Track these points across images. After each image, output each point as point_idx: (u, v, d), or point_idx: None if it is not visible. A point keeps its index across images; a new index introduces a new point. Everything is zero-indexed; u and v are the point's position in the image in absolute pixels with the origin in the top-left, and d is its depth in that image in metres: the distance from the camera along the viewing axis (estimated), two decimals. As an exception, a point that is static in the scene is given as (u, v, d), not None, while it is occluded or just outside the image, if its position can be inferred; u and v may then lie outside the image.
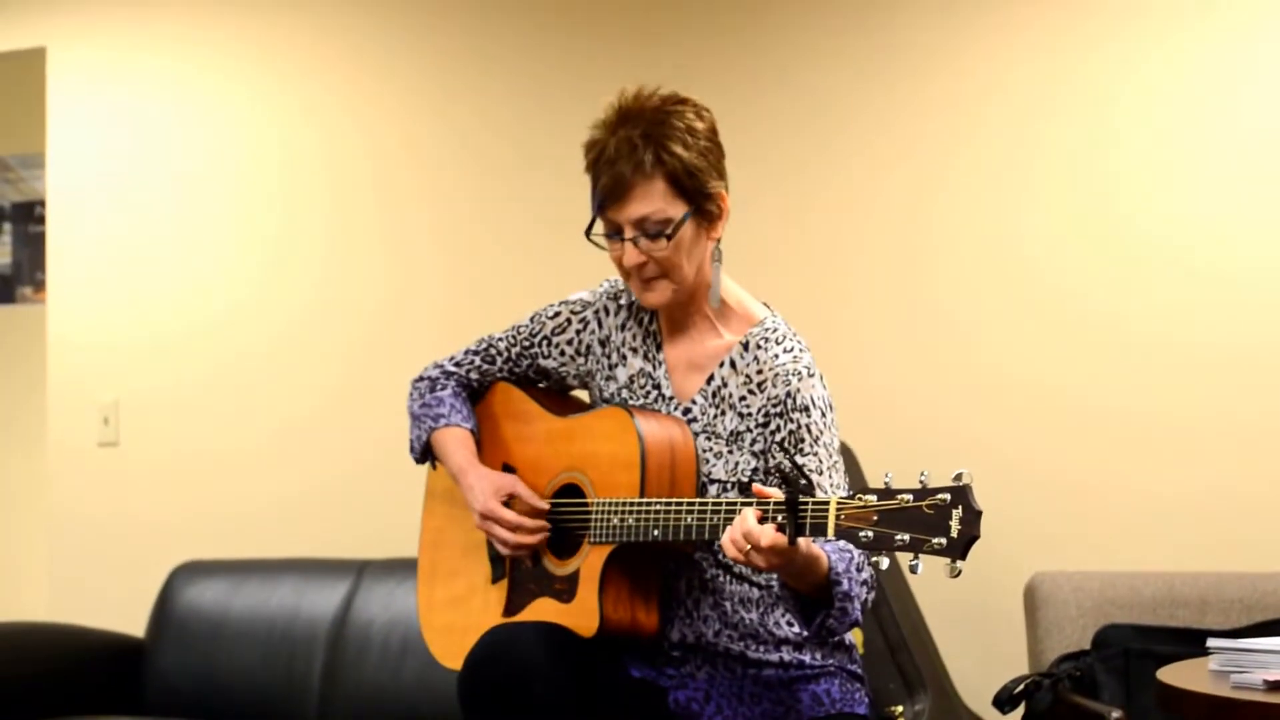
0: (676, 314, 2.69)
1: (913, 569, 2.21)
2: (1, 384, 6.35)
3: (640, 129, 2.56)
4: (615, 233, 2.60)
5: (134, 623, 4.53)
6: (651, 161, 2.55)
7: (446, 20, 4.69)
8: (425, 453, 2.84)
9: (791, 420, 2.56)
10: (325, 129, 4.83)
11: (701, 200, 2.58)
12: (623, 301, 2.75)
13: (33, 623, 4.57)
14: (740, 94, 4.23)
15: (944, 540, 2.19)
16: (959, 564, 2.18)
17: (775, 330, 2.64)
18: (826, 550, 2.39)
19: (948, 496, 2.20)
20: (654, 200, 2.56)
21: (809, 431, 2.55)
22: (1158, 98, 3.95)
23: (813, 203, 4.24)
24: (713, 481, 2.60)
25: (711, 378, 2.64)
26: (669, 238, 2.56)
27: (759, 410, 2.59)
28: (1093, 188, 3.98)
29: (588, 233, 2.63)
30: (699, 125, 2.59)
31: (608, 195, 2.57)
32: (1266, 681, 2.63)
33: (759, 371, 2.60)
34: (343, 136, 4.81)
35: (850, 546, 2.41)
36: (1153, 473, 3.89)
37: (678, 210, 2.57)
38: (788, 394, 2.56)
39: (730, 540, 2.32)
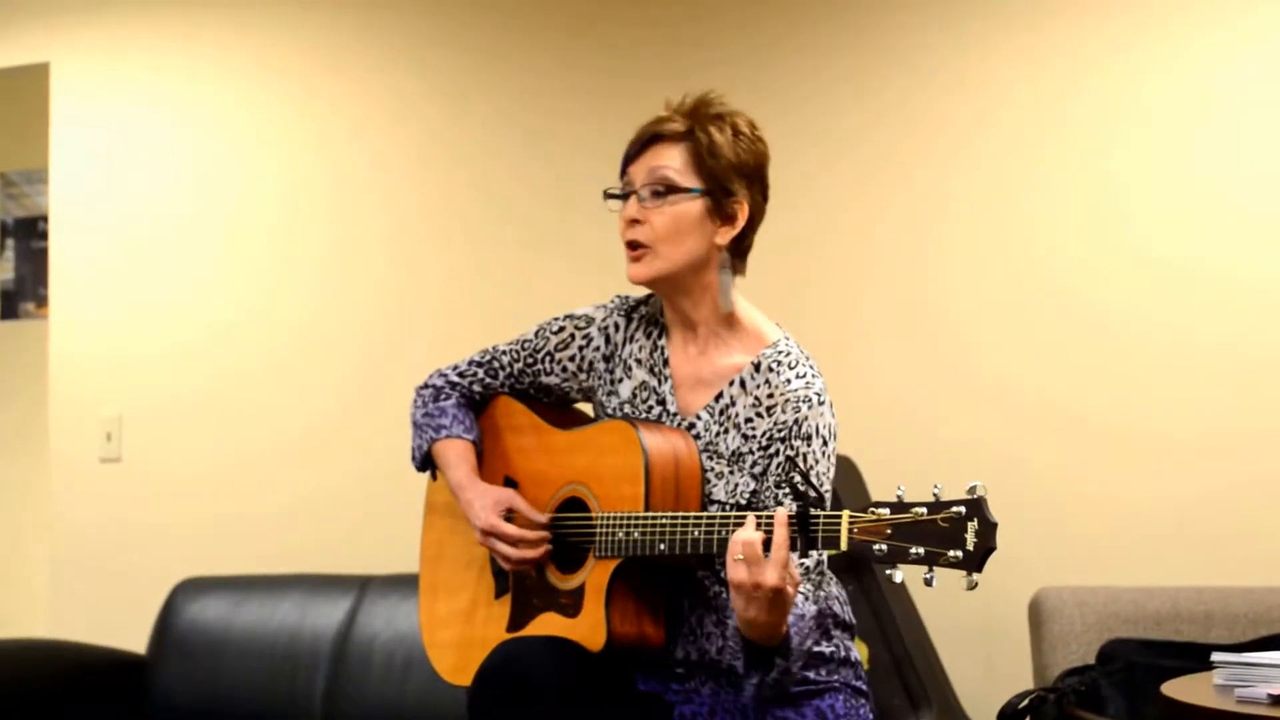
0: (684, 328, 2.68)
1: (927, 582, 2.21)
2: (4, 399, 6.35)
3: (686, 114, 2.62)
4: (628, 192, 2.62)
5: (136, 640, 4.52)
6: (682, 130, 2.60)
7: (449, 35, 4.70)
8: (426, 462, 2.84)
9: (791, 447, 2.54)
10: (327, 144, 4.83)
11: (717, 189, 2.59)
12: (634, 314, 2.74)
13: (34, 640, 4.57)
14: (749, 113, 4.22)
15: (960, 553, 2.18)
16: (975, 576, 2.18)
17: (788, 354, 2.62)
18: (789, 624, 2.39)
19: (963, 509, 2.20)
20: (671, 159, 2.59)
21: (804, 460, 2.53)
22: (1160, 110, 3.96)
23: (822, 215, 4.25)
24: (712, 502, 2.58)
25: (720, 395, 2.62)
26: (669, 197, 2.57)
27: (763, 434, 2.57)
28: (1102, 200, 3.99)
29: (607, 191, 2.65)
30: (745, 131, 2.62)
31: (632, 147, 2.63)
32: (1271, 695, 2.63)
33: (769, 395, 2.59)
34: (344, 151, 4.81)
35: (804, 624, 2.43)
36: (1158, 487, 3.89)
37: (690, 182, 2.58)
38: (796, 421, 2.55)
39: (746, 552, 2.32)
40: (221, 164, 4.97)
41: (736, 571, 2.32)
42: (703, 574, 2.59)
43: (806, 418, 2.55)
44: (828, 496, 2.53)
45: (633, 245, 2.61)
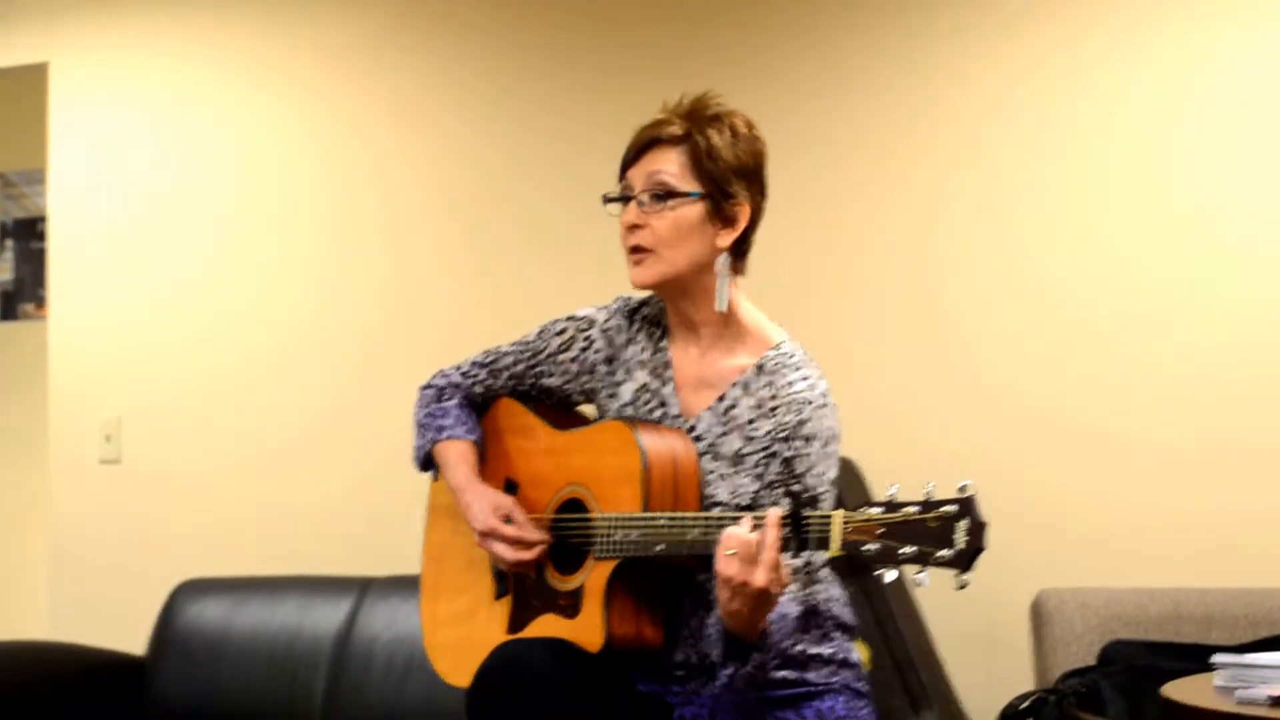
0: (687, 329, 2.67)
1: (918, 582, 2.21)
2: (3, 400, 6.35)
3: (683, 116, 2.61)
4: (628, 196, 2.61)
5: (135, 641, 4.51)
6: (680, 133, 2.59)
7: (448, 35, 4.70)
8: (427, 462, 2.85)
9: (790, 448, 2.54)
10: (326, 143, 4.83)
11: (717, 192, 2.58)
12: (636, 316, 2.74)
13: (33, 641, 4.56)
14: (750, 114, 4.23)
15: (950, 552, 2.18)
16: (965, 576, 2.18)
17: (792, 356, 2.62)
18: (772, 619, 2.41)
19: (954, 508, 2.19)
20: (669, 163, 2.58)
21: (803, 461, 2.53)
22: (1158, 117, 3.95)
23: (822, 218, 4.24)
24: (715, 503, 2.58)
25: (723, 397, 2.62)
26: (669, 201, 2.56)
27: (765, 435, 2.57)
28: (1103, 207, 3.98)
29: (606, 196, 2.65)
30: (743, 132, 2.61)
31: (630, 152, 2.62)
32: (1271, 697, 2.63)
33: (773, 397, 2.58)
34: (343, 150, 4.81)
35: (786, 625, 2.45)
36: (1159, 489, 3.88)
37: (689, 186, 2.57)
38: (798, 422, 2.54)
39: (744, 552, 2.32)
40: (221, 164, 4.96)
41: (727, 567, 2.33)
42: (703, 577, 2.58)
43: (809, 419, 2.54)
44: (829, 498, 2.53)
45: (634, 250, 2.61)
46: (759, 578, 2.31)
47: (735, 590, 2.33)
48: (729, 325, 2.65)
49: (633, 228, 2.60)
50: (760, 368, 2.61)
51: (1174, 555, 3.85)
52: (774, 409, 2.57)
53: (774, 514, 2.32)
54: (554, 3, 4.58)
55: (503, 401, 2.84)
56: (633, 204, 2.60)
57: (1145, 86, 3.96)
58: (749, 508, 2.54)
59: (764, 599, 2.34)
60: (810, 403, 2.55)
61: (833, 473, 2.56)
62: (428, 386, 2.87)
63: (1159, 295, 3.92)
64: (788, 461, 2.53)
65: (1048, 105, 4.04)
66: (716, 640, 2.46)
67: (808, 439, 2.53)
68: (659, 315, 2.72)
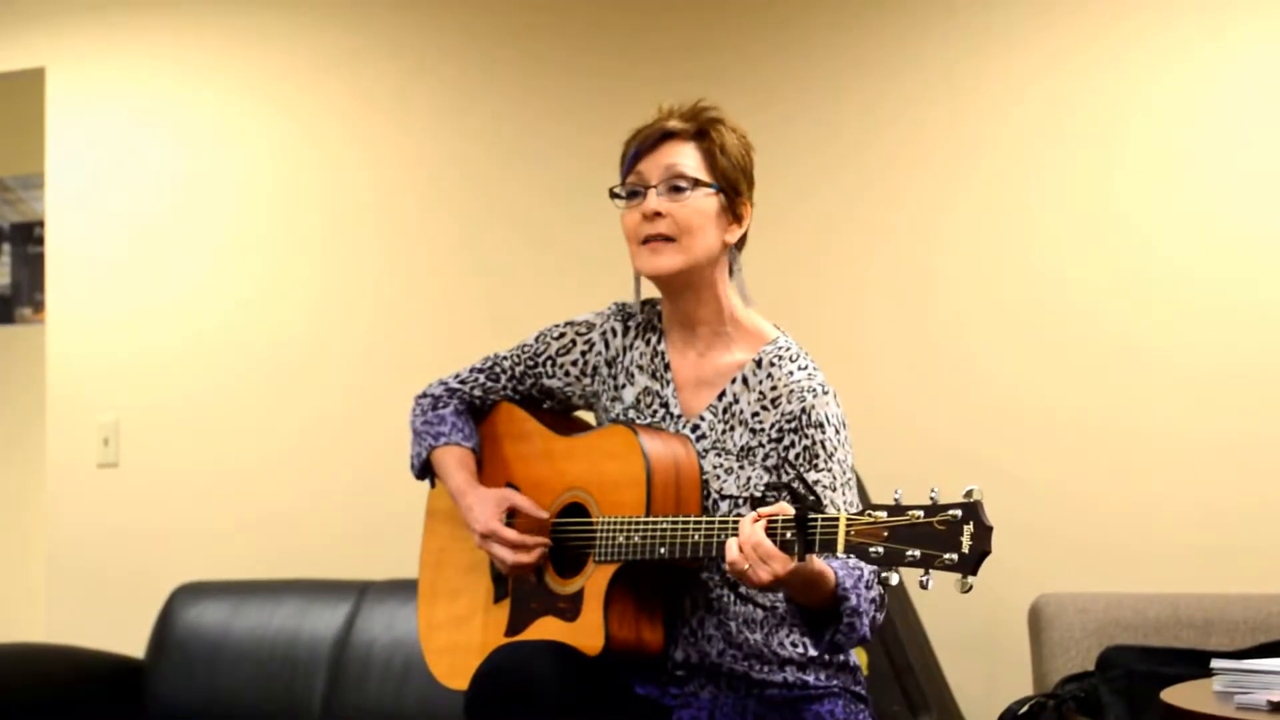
0: (685, 329, 2.69)
1: (922, 585, 2.22)
2: (1, 404, 6.34)
3: (688, 117, 2.66)
4: (640, 190, 2.63)
5: (134, 644, 4.51)
6: (694, 130, 2.65)
7: (446, 42, 4.70)
8: (425, 470, 2.85)
9: (806, 436, 2.56)
10: (324, 148, 4.83)
11: (729, 188, 2.63)
12: (631, 322, 2.75)
13: (32, 644, 4.56)
14: (750, 121, 4.22)
15: (955, 556, 2.19)
16: (970, 579, 2.19)
17: (788, 349, 2.65)
18: (834, 566, 2.40)
19: (959, 512, 2.20)
20: (686, 156, 2.63)
21: (823, 448, 2.56)
22: (1163, 121, 3.95)
23: (823, 224, 4.24)
24: (725, 498, 2.60)
25: (723, 394, 2.64)
26: (693, 190, 2.60)
27: (772, 426, 2.59)
28: (1101, 210, 3.98)
29: (613, 190, 2.67)
30: (742, 136, 2.68)
31: (643, 144, 2.64)
32: (1270, 702, 2.63)
33: (773, 388, 2.61)
34: (341, 156, 4.81)
35: (860, 564, 2.42)
36: (1157, 494, 3.88)
37: (707, 178, 2.62)
38: (803, 410, 2.57)
39: (740, 543, 2.33)
40: (218, 169, 4.96)
41: (735, 566, 2.35)
42: (706, 576, 2.60)
43: (813, 406, 2.57)
44: (853, 484, 2.56)
45: (652, 239, 2.62)
46: (760, 575, 2.33)
47: (786, 586, 2.36)
48: (726, 323, 2.67)
49: (654, 216, 2.61)
50: (758, 362, 2.64)
51: (1173, 560, 3.85)
52: (775, 399, 2.60)
53: (748, 518, 2.34)
54: (551, 10, 4.58)
55: (502, 406, 2.85)
56: (651, 193, 2.62)
57: (1151, 92, 3.96)
58: (761, 500, 2.55)
59: (780, 585, 2.35)
60: (812, 391, 2.59)
61: (851, 458, 2.59)
62: (424, 395, 2.88)
63: (1158, 300, 3.92)
64: (806, 450, 2.54)
65: (1051, 110, 4.04)
66: (800, 624, 2.49)
67: (819, 426, 2.57)
68: (654, 319, 2.74)
